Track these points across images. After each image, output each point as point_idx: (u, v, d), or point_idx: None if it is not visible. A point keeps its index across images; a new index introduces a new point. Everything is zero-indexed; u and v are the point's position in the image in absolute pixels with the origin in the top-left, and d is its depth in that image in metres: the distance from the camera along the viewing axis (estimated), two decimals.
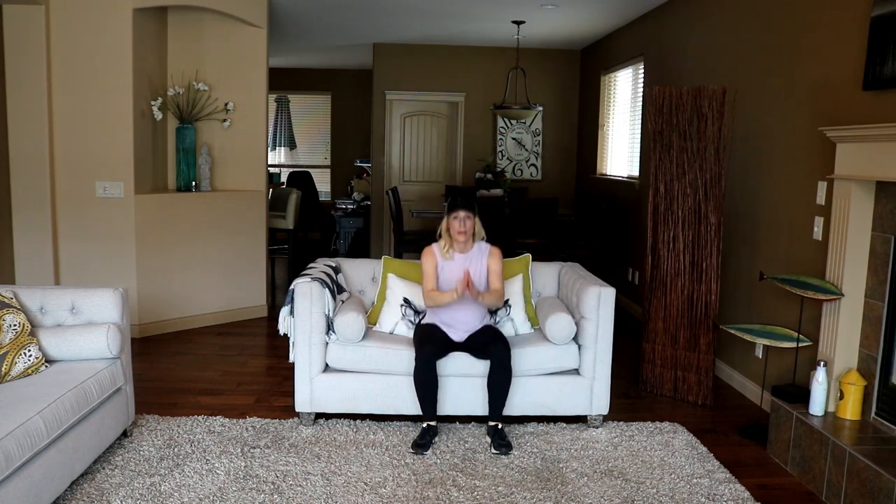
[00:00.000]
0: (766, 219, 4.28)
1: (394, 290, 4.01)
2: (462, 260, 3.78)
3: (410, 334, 3.87)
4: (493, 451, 3.50)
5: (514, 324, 3.97)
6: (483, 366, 3.66)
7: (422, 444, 3.49)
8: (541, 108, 8.51)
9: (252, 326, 5.85)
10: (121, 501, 2.93)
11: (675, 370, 4.38)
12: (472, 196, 3.76)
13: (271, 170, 10.32)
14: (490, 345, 3.63)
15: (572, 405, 3.80)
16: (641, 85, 6.52)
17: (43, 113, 5.03)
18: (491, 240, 3.95)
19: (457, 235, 3.74)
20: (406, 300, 3.95)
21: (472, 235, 3.79)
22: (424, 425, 3.60)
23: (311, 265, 4.12)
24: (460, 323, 3.76)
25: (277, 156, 11.40)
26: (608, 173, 7.62)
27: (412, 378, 3.61)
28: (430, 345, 3.62)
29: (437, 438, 3.61)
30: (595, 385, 3.79)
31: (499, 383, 3.58)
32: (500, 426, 3.60)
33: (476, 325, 3.79)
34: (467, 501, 3.02)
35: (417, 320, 3.91)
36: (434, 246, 3.85)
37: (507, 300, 3.98)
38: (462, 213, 3.72)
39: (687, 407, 4.27)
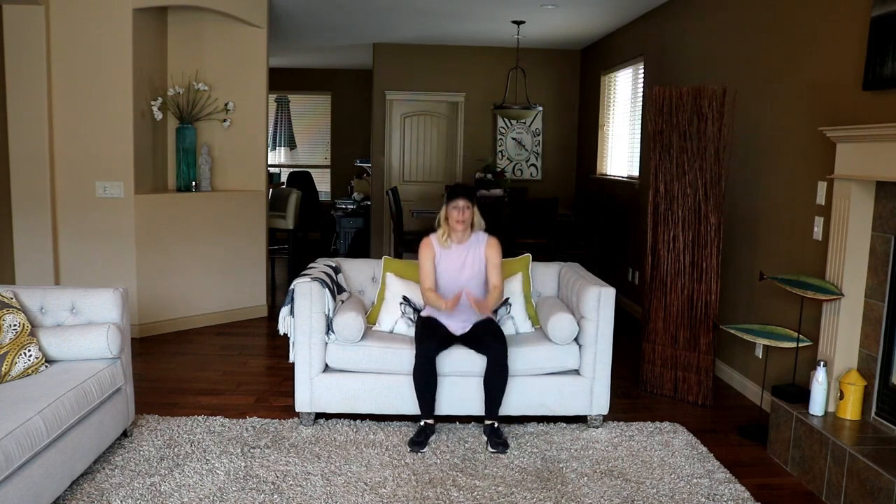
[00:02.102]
0: (766, 219, 4.28)
1: (392, 290, 4.01)
2: (460, 251, 3.79)
3: (410, 332, 3.87)
4: (490, 449, 3.50)
5: (514, 322, 3.97)
6: (481, 363, 3.66)
7: (419, 441, 3.49)
8: (541, 108, 8.51)
9: (252, 326, 5.85)
10: (121, 501, 2.93)
11: (675, 370, 4.38)
12: (472, 186, 3.80)
13: (271, 170, 10.32)
14: (488, 342, 3.62)
15: (572, 405, 3.80)
16: (641, 85, 6.52)
17: (43, 113, 5.03)
18: None
19: (455, 224, 3.73)
20: (405, 298, 3.95)
21: (471, 225, 3.79)
22: (422, 423, 3.61)
23: (311, 265, 4.12)
24: (459, 314, 3.76)
25: (277, 156, 11.40)
26: (608, 173, 7.62)
27: (412, 376, 3.62)
28: (431, 341, 3.62)
29: (433, 437, 3.61)
30: (595, 385, 3.79)
31: (495, 383, 3.58)
32: (496, 425, 3.60)
33: (475, 317, 3.78)
34: (467, 501, 3.02)
35: (417, 316, 3.92)
36: (432, 236, 3.85)
37: (507, 298, 3.98)
38: (461, 202, 3.72)
39: (687, 407, 4.27)
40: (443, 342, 3.67)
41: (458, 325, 3.77)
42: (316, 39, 8.37)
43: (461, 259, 3.80)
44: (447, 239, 3.80)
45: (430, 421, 3.62)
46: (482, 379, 3.66)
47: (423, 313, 3.89)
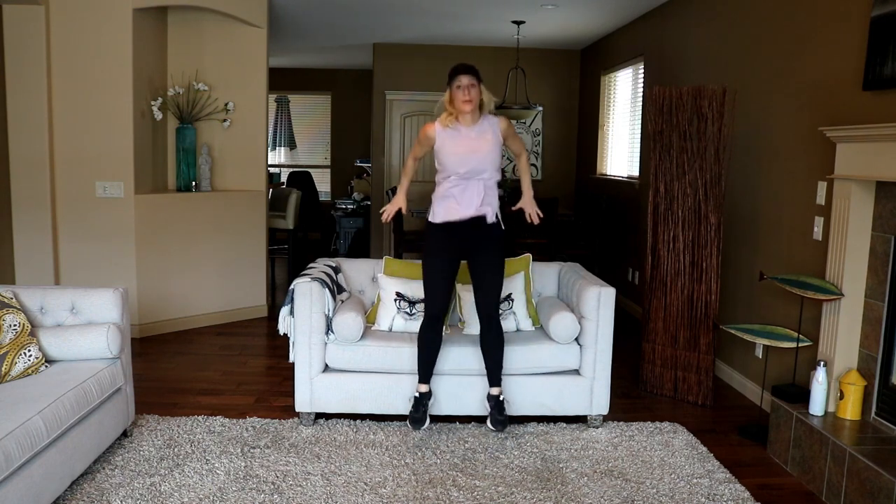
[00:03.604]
0: (766, 219, 4.28)
1: (386, 289, 4.01)
2: (471, 132, 3.44)
3: (409, 329, 3.87)
4: (489, 425, 3.50)
5: (516, 317, 3.97)
6: (480, 365, 3.66)
7: (418, 417, 3.49)
8: (541, 108, 8.51)
9: (252, 326, 5.85)
10: (121, 501, 2.93)
11: (675, 370, 4.38)
12: (474, 66, 3.50)
13: (271, 170, 10.32)
14: (482, 288, 3.53)
15: (572, 405, 3.80)
16: (641, 85, 6.52)
17: (43, 113, 5.03)
18: None
19: (462, 105, 3.36)
20: (398, 294, 3.95)
21: (480, 106, 3.46)
22: (417, 394, 3.57)
23: (311, 265, 4.12)
24: (469, 200, 3.51)
25: (277, 156, 11.40)
26: (608, 173, 7.62)
27: (417, 334, 3.60)
28: (438, 293, 3.51)
29: (434, 438, 3.61)
30: (595, 385, 3.79)
31: (491, 343, 3.54)
32: (501, 397, 3.58)
33: (483, 206, 3.51)
34: (467, 501, 3.02)
35: (427, 224, 3.64)
36: (433, 122, 3.51)
37: (510, 294, 3.97)
38: (465, 80, 3.36)
39: (687, 407, 4.27)
40: (449, 270, 3.52)
41: (464, 209, 3.51)
42: (316, 39, 8.37)
43: (474, 141, 3.44)
44: (453, 121, 3.43)
45: (426, 388, 3.57)
46: (483, 378, 3.66)
47: (430, 219, 3.60)
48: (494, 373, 3.60)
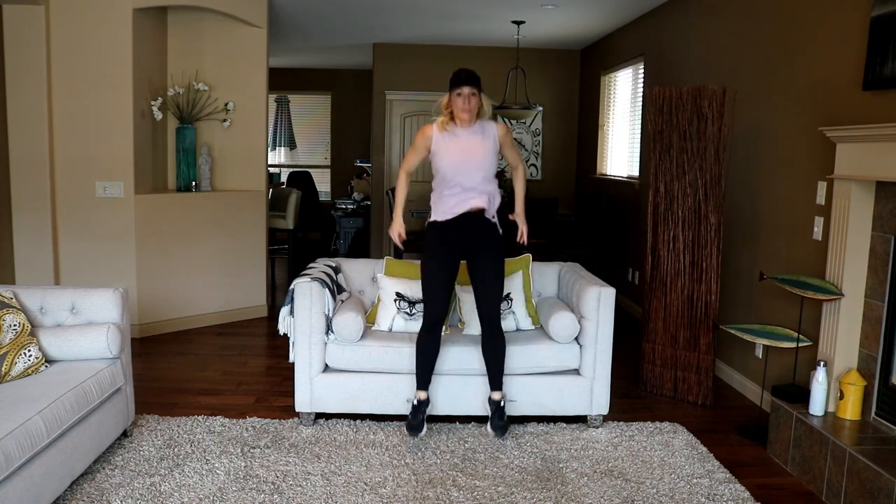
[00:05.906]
0: (766, 219, 4.28)
1: (386, 289, 4.00)
2: (467, 135, 3.46)
3: (408, 329, 3.86)
4: (489, 429, 3.50)
5: (515, 317, 3.97)
6: (480, 364, 3.66)
7: (415, 425, 3.47)
8: (541, 108, 8.51)
9: (252, 326, 5.85)
10: (121, 501, 2.93)
11: (675, 370, 4.38)
12: (476, 74, 3.51)
13: (271, 170, 10.32)
14: (482, 289, 3.50)
15: (572, 405, 3.80)
16: (641, 85, 6.52)
17: (43, 113, 5.03)
18: None
19: (460, 113, 3.42)
20: (398, 294, 3.94)
21: (477, 114, 3.49)
22: (415, 401, 3.55)
23: (311, 265, 4.12)
24: (464, 199, 3.52)
25: (277, 156, 11.40)
26: (608, 173, 7.62)
27: (415, 342, 3.57)
28: (437, 296, 3.48)
29: (434, 438, 3.61)
30: (595, 385, 3.79)
31: (493, 348, 3.54)
32: (502, 403, 3.56)
33: (479, 200, 3.51)
34: (467, 501, 3.02)
35: (426, 225, 3.65)
36: (431, 124, 3.53)
37: (509, 294, 3.97)
38: (466, 90, 3.39)
39: (687, 407, 4.27)
40: (448, 271, 3.50)
41: (465, 205, 3.50)
42: (316, 39, 8.37)
43: (471, 143, 3.44)
44: (449, 124, 3.46)
45: (424, 395, 3.55)
46: (483, 378, 3.67)
47: (428, 220, 3.63)
48: (496, 377, 3.59)
